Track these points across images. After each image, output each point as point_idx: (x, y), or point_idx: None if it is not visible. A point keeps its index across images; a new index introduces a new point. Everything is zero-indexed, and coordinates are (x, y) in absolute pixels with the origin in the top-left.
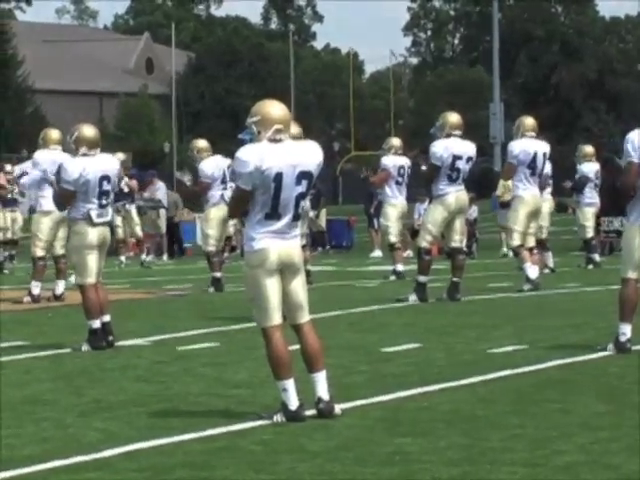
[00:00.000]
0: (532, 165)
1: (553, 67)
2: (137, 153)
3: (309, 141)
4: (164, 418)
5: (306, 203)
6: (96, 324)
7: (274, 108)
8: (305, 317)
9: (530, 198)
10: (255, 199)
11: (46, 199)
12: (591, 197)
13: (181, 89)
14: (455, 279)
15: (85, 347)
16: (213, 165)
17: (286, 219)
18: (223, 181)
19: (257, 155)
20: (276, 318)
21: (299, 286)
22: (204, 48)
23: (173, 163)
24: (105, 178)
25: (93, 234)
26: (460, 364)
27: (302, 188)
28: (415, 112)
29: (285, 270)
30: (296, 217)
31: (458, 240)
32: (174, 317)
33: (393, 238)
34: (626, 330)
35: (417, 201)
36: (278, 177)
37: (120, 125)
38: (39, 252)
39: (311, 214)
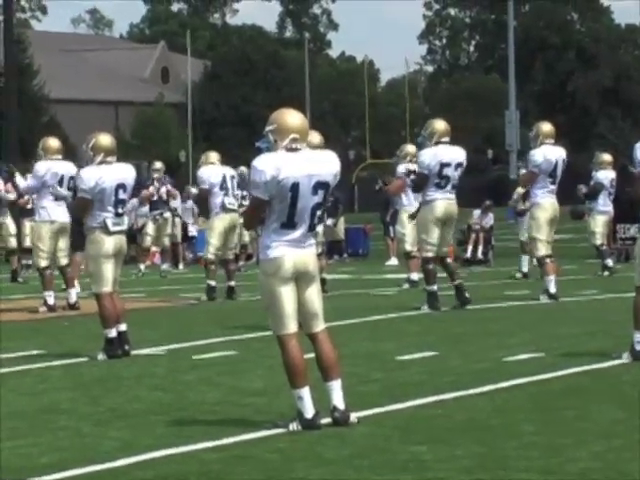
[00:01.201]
0: (553, 174)
1: (569, 74)
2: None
3: (326, 151)
4: (180, 427)
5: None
6: (112, 333)
7: (291, 117)
8: (320, 326)
9: (549, 205)
10: (271, 208)
11: (45, 209)
12: (604, 205)
13: (197, 98)
14: (456, 283)
15: (101, 356)
16: (210, 171)
17: (302, 229)
18: (222, 187)
19: (273, 164)
20: (291, 326)
21: (314, 294)
22: (220, 56)
23: (189, 171)
24: (121, 187)
25: (109, 243)
26: (476, 372)
27: (318, 198)
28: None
29: (300, 278)
30: (312, 227)
31: (444, 252)
32: (190, 326)
33: (409, 246)
34: None
35: None
36: (295, 187)
37: (136, 134)
38: (42, 262)
39: (329, 222)
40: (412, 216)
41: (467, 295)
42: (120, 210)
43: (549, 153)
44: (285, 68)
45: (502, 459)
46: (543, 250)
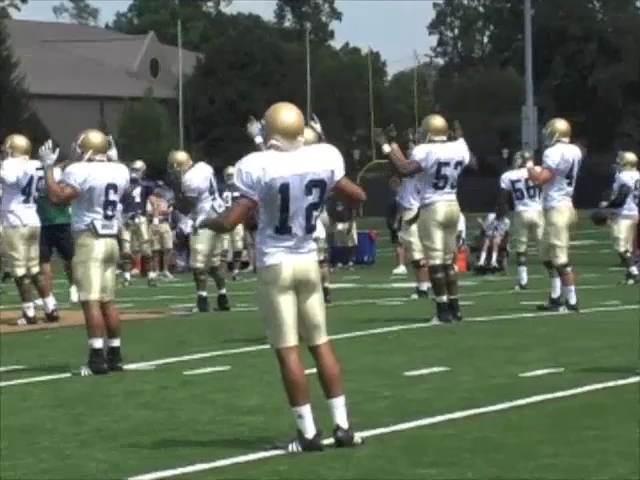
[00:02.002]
0: (570, 175)
1: (590, 68)
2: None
3: (323, 145)
4: (171, 448)
5: (324, 215)
6: (98, 343)
7: (282, 114)
8: (322, 338)
9: (567, 209)
10: (262, 212)
11: (13, 213)
12: (629, 208)
13: (189, 93)
14: (451, 297)
15: (85, 371)
16: (197, 176)
17: (298, 233)
18: (211, 192)
19: (259, 165)
20: (291, 339)
21: (316, 305)
22: (214, 49)
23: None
24: (112, 187)
25: (99, 247)
26: (489, 389)
27: (314, 198)
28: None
29: (300, 287)
30: (309, 230)
31: (448, 258)
32: (181, 339)
33: (417, 254)
34: None
35: None
36: (284, 188)
37: (123, 132)
38: (19, 271)
39: (340, 227)
40: (410, 221)
41: (459, 314)
42: (110, 212)
43: (566, 152)
44: (284, 61)
45: None
46: (564, 257)
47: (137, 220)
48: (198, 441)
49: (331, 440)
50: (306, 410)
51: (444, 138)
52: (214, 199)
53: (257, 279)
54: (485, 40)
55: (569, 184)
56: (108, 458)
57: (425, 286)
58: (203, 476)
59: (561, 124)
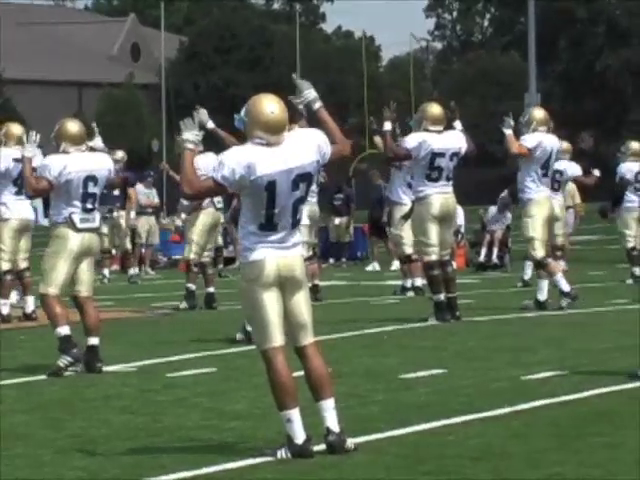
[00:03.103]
0: (546, 165)
1: (598, 52)
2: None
3: (306, 130)
4: (153, 455)
5: (314, 209)
6: (65, 330)
7: (265, 107)
8: (309, 338)
9: (545, 200)
10: (245, 207)
11: (5, 205)
12: (631, 201)
13: (172, 78)
14: (449, 295)
15: (64, 360)
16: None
17: (284, 228)
18: None
19: (244, 162)
20: (277, 339)
21: (302, 303)
22: (198, 31)
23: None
24: (91, 179)
25: (75, 240)
26: (491, 393)
27: (300, 192)
28: (440, 104)
29: (286, 284)
30: (295, 224)
31: (445, 254)
32: (164, 339)
33: (408, 249)
34: None
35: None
36: (271, 186)
37: (102, 119)
38: (4, 266)
39: (337, 222)
40: (405, 217)
41: (458, 313)
42: (89, 205)
43: (545, 140)
44: (273, 45)
45: None
46: (541, 250)
47: (115, 214)
48: (182, 448)
49: (322, 447)
50: (295, 414)
51: (440, 128)
52: None
53: (240, 276)
54: (486, 23)
55: (545, 175)
56: (86, 466)
57: (419, 281)
58: None
59: (539, 113)
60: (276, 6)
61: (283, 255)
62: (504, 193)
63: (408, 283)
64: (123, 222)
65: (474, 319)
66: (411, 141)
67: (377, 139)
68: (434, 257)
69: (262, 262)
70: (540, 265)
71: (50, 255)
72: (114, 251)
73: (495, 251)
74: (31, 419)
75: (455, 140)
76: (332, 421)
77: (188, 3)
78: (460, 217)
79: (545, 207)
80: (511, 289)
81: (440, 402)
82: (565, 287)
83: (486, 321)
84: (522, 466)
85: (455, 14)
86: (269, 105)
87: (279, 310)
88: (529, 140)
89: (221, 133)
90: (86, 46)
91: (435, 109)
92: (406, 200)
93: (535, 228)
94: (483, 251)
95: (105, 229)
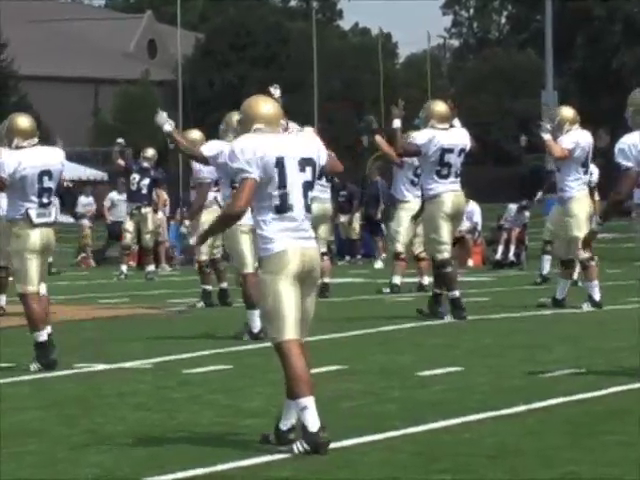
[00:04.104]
0: (586, 163)
1: (615, 50)
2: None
3: (302, 130)
4: (167, 452)
5: (327, 206)
6: (42, 337)
7: (260, 103)
8: (305, 335)
9: (586, 199)
10: (259, 195)
11: None
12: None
13: (188, 75)
14: (451, 294)
15: (34, 366)
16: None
17: (298, 211)
18: (216, 183)
19: (252, 144)
20: (295, 332)
21: (312, 300)
22: (213, 28)
23: (179, 160)
24: (46, 173)
25: (35, 236)
26: (506, 390)
27: (308, 176)
28: (456, 101)
29: (305, 279)
30: (307, 209)
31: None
32: (179, 336)
33: (400, 247)
34: None
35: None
36: (280, 162)
37: (118, 116)
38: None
39: (342, 220)
40: (415, 217)
41: (464, 314)
42: (45, 200)
43: (580, 139)
44: (289, 42)
45: None
46: (588, 251)
47: (143, 210)
48: (197, 445)
49: (337, 445)
50: (310, 402)
51: (447, 125)
52: (218, 190)
53: (261, 269)
54: (502, 20)
55: (585, 173)
56: (101, 462)
57: (398, 280)
58: None
59: (568, 112)
60: (292, 3)
61: (305, 246)
62: (538, 195)
63: (397, 280)
64: (150, 220)
65: (490, 317)
66: (421, 138)
67: (378, 138)
68: (446, 255)
69: (286, 253)
70: (583, 266)
71: (15, 255)
72: (133, 247)
73: (512, 249)
74: (45, 416)
75: (461, 136)
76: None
77: (204, 0)
78: (477, 215)
79: (586, 205)
80: (527, 287)
81: (455, 400)
82: (597, 296)
83: (501, 319)
84: (537, 464)
85: (472, 11)
86: (263, 102)
87: (298, 304)
88: (566, 141)
89: (177, 136)
90: (102, 43)
91: (440, 107)
92: (409, 197)
93: (580, 227)
94: (500, 249)
95: (130, 225)
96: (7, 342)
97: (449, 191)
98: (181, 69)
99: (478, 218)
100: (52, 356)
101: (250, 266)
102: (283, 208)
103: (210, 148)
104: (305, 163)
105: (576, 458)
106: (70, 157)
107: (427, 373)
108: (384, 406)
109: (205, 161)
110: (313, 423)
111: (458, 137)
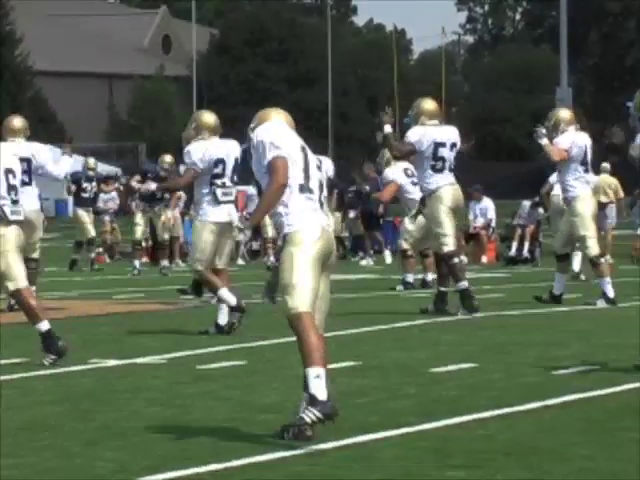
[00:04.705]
0: (585, 161)
1: (629, 46)
2: (152, 144)
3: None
4: (182, 447)
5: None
6: (45, 325)
7: (273, 114)
8: (322, 327)
9: (589, 197)
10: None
11: None
12: None
13: (203, 71)
14: (461, 284)
15: (48, 359)
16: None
17: (316, 196)
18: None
19: (280, 129)
20: (311, 305)
21: (326, 288)
22: (228, 24)
23: None
24: (9, 172)
25: (12, 233)
26: (521, 387)
27: (320, 176)
28: (471, 98)
29: (325, 260)
30: (320, 202)
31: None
32: (194, 331)
33: (404, 244)
34: None
35: (472, 199)
36: (304, 150)
37: (133, 112)
38: None
39: (352, 215)
40: (415, 216)
41: (476, 304)
42: (14, 197)
43: (577, 139)
44: (304, 38)
45: None
46: (596, 248)
47: (157, 207)
48: (211, 440)
49: (345, 442)
50: (323, 371)
51: (437, 122)
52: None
53: (289, 243)
54: (517, 17)
55: (585, 171)
56: (116, 457)
57: (411, 278)
58: (216, 477)
59: (564, 113)
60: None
61: (326, 228)
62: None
63: (410, 278)
64: (163, 215)
65: (503, 313)
66: (413, 135)
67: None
68: (452, 247)
69: (312, 228)
70: (593, 263)
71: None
72: (144, 243)
73: (526, 245)
74: (61, 410)
75: (452, 132)
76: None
77: None
78: (491, 211)
79: (591, 203)
80: (541, 283)
81: (469, 396)
82: (610, 293)
83: (516, 315)
84: (552, 460)
85: (487, 7)
86: (279, 115)
87: (319, 281)
88: (562, 142)
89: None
90: (117, 38)
91: (430, 104)
92: (415, 194)
93: (586, 226)
94: (514, 245)
95: (141, 220)
96: (20, 337)
97: (447, 184)
98: (195, 65)
99: (492, 214)
100: (60, 343)
101: (204, 264)
102: (305, 188)
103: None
104: (318, 167)
105: (591, 454)
106: (84, 152)
107: (441, 369)
108: (398, 402)
109: None
110: (323, 392)
111: (449, 132)
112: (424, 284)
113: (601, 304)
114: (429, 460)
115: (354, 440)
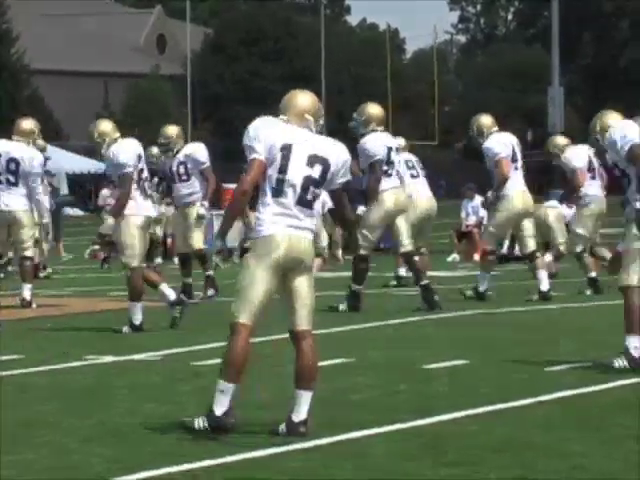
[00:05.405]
0: (515, 159)
1: (622, 47)
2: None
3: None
4: (177, 443)
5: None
6: None
7: (299, 97)
8: (308, 325)
9: (520, 197)
10: (266, 178)
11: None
12: None
13: (197, 70)
14: (422, 283)
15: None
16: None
17: (290, 199)
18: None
19: (267, 124)
20: (252, 318)
21: (306, 286)
22: (223, 24)
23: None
24: None
25: None
26: (514, 383)
27: (313, 173)
28: (464, 97)
29: (293, 266)
30: (303, 202)
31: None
32: (189, 328)
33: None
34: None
35: (464, 198)
36: (286, 149)
37: (128, 110)
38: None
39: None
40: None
41: (436, 297)
42: None
43: (502, 139)
44: (298, 37)
45: None
46: (533, 245)
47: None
48: (206, 436)
49: (338, 438)
50: (231, 389)
51: (383, 127)
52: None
53: (250, 250)
54: (509, 17)
55: (516, 168)
56: (112, 454)
57: (403, 272)
58: (210, 473)
59: (485, 119)
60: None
61: (294, 234)
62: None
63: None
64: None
65: (495, 310)
66: (372, 146)
67: None
68: (410, 248)
69: (273, 238)
70: (530, 258)
71: None
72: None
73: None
74: (58, 407)
75: (391, 138)
76: (300, 410)
77: None
78: (482, 209)
79: (519, 202)
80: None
81: (462, 393)
82: (545, 286)
83: (507, 312)
84: (545, 457)
85: (479, 7)
86: (304, 97)
87: (269, 294)
88: (496, 148)
89: None
90: (113, 37)
91: (377, 110)
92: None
93: (523, 224)
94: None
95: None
96: (17, 334)
97: (391, 188)
98: (190, 64)
99: (484, 213)
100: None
101: (137, 259)
102: (278, 192)
103: None
104: (316, 160)
105: (584, 451)
106: (78, 151)
107: (434, 366)
108: (392, 398)
109: None
110: (221, 407)
111: (391, 138)
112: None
113: (534, 297)
114: (423, 456)
115: (348, 436)
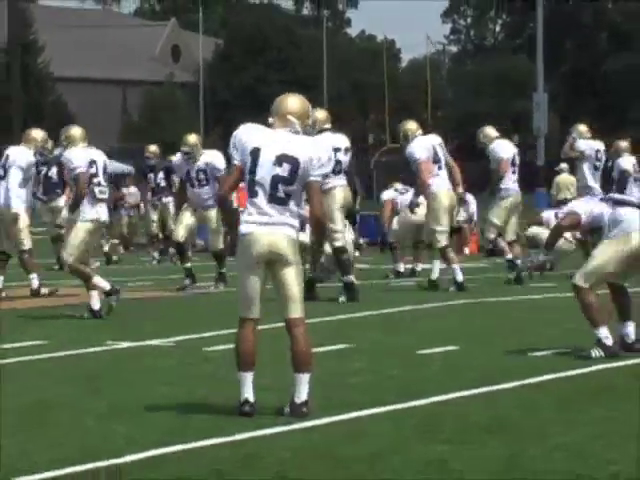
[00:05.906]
0: (436, 159)
1: (602, 56)
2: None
3: (312, 138)
4: (190, 422)
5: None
6: None
7: (286, 100)
8: (298, 312)
9: (444, 194)
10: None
11: None
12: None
13: (208, 77)
14: (346, 278)
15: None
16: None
17: (261, 198)
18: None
19: (246, 130)
20: (251, 312)
21: (290, 277)
22: (231, 34)
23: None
24: None
25: None
26: (501, 368)
27: (282, 172)
28: (455, 103)
29: (275, 261)
30: (274, 199)
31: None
32: (200, 316)
33: (391, 237)
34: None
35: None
36: (255, 152)
37: (144, 115)
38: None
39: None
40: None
41: (358, 297)
42: None
43: (424, 142)
44: (301, 47)
45: (528, 461)
46: (443, 241)
47: (164, 200)
48: (216, 416)
49: (337, 418)
50: (244, 377)
51: (330, 126)
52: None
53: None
54: (497, 29)
55: (439, 168)
56: (127, 431)
57: (402, 267)
58: (220, 449)
59: (411, 124)
60: (305, 12)
61: (269, 232)
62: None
63: (400, 267)
64: (172, 208)
65: (484, 300)
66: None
67: None
68: (342, 242)
69: (249, 237)
70: (442, 254)
71: None
72: (160, 235)
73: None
74: (76, 389)
75: (343, 139)
76: (300, 393)
77: (224, 8)
78: (473, 206)
79: (444, 198)
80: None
81: (453, 376)
82: (459, 277)
83: (495, 302)
84: (529, 437)
85: (469, 20)
86: (291, 100)
87: (259, 287)
88: (417, 152)
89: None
90: (130, 48)
91: (322, 114)
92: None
93: (438, 219)
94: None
95: (154, 215)
96: (37, 321)
97: (339, 186)
98: (202, 72)
99: (474, 209)
100: None
101: (74, 258)
102: (251, 193)
103: None
104: (285, 160)
105: (566, 431)
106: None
107: (426, 352)
108: (387, 381)
109: None
110: (242, 394)
111: (342, 139)
112: (412, 273)
113: (452, 288)
114: (416, 435)
115: (346, 416)
